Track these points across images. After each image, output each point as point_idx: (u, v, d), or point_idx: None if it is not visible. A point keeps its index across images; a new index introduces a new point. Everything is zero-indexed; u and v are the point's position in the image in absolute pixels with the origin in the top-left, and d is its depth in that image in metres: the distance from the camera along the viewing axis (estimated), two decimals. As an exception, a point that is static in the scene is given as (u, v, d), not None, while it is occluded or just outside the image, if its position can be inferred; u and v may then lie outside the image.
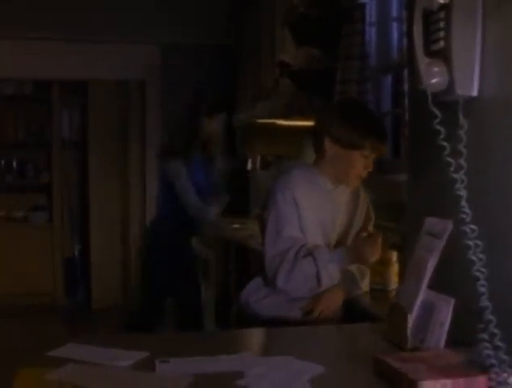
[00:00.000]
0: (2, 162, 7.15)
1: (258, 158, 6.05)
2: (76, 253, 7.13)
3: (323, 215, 2.43)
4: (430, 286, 1.54)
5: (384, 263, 2.62)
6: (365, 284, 2.57)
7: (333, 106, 2.69)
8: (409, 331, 1.56)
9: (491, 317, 1.27)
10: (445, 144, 1.42)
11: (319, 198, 2.42)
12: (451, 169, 1.40)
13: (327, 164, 2.42)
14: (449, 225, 1.48)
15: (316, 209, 2.40)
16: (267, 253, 2.38)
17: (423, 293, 1.55)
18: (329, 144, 2.38)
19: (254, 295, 2.48)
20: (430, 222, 1.58)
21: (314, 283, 2.33)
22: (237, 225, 5.17)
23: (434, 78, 1.49)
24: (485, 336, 1.27)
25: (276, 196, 2.38)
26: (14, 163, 7.15)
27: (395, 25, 3.76)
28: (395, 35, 3.76)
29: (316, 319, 2.36)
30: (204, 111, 3.91)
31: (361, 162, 2.37)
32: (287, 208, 2.35)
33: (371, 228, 2.57)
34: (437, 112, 1.45)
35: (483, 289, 1.29)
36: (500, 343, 1.25)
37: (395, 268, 2.64)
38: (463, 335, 1.43)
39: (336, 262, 2.33)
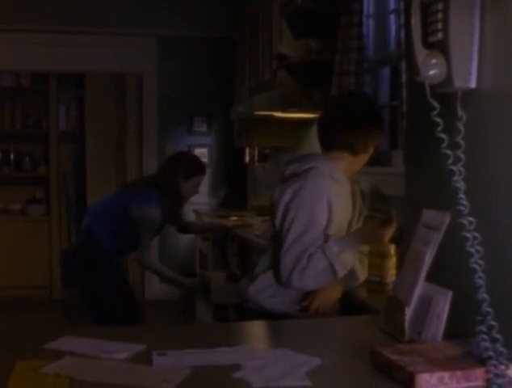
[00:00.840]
0: (0, 154, 7.13)
1: (256, 151, 6.05)
2: (73, 246, 7.11)
3: (346, 215, 2.47)
4: (428, 279, 1.54)
5: (382, 255, 2.62)
6: (364, 272, 2.58)
7: (344, 114, 2.58)
8: (406, 324, 1.56)
9: (489, 309, 1.27)
10: (443, 136, 1.41)
11: (346, 197, 2.47)
12: (449, 161, 1.39)
13: (338, 160, 2.47)
14: (447, 218, 1.48)
15: (343, 211, 2.44)
16: (290, 252, 2.35)
17: (421, 286, 1.54)
18: (348, 157, 2.47)
19: (262, 293, 2.49)
20: (428, 214, 1.58)
21: (329, 274, 2.34)
22: (234, 218, 5.17)
23: (432, 69, 1.49)
24: (483, 328, 1.26)
25: (310, 198, 2.37)
26: (12, 156, 7.13)
27: (392, 17, 3.76)
28: (393, 27, 3.76)
29: (315, 315, 2.36)
30: (181, 175, 3.89)
31: (364, 159, 2.51)
32: (320, 212, 2.35)
33: (361, 218, 2.60)
34: (435, 104, 1.44)
35: (481, 282, 1.29)
36: (497, 336, 1.25)
37: (393, 261, 2.63)
38: (460, 328, 1.43)
39: (346, 249, 2.33)
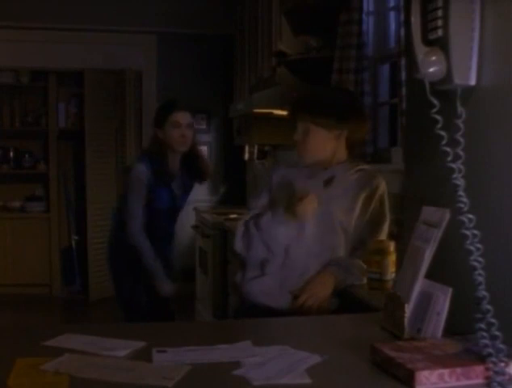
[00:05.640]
0: (-1, 151, 7.14)
1: (255, 148, 6.04)
2: (73, 243, 7.12)
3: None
4: (428, 276, 1.54)
5: (382, 252, 2.62)
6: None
7: None
8: (406, 321, 1.56)
9: (488, 306, 1.27)
10: (443, 133, 1.41)
11: (292, 175, 2.63)
12: (449, 158, 1.39)
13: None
14: (446, 215, 1.48)
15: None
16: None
17: (420, 283, 1.55)
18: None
19: (243, 277, 2.55)
20: (428, 212, 1.58)
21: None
22: (234, 215, 5.17)
23: (431, 67, 1.49)
24: (483, 326, 1.27)
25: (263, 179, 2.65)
26: (11, 153, 7.13)
27: (392, 14, 3.76)
28: (392, 24, 3.75)
29: (302, 308, 2.36)
30: (156, 124, 3.59)
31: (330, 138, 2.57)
32: (265, 191, 2.68)
33: (384, 233, 2.63)
34: (435, 101, 1.44)
35: (480, 279, 1.29)
36: (497, 333, 1.25)
37: (392, 258, 2.63)
38: (460, 325, 1.43)
39: (276, 220, 2.48)
